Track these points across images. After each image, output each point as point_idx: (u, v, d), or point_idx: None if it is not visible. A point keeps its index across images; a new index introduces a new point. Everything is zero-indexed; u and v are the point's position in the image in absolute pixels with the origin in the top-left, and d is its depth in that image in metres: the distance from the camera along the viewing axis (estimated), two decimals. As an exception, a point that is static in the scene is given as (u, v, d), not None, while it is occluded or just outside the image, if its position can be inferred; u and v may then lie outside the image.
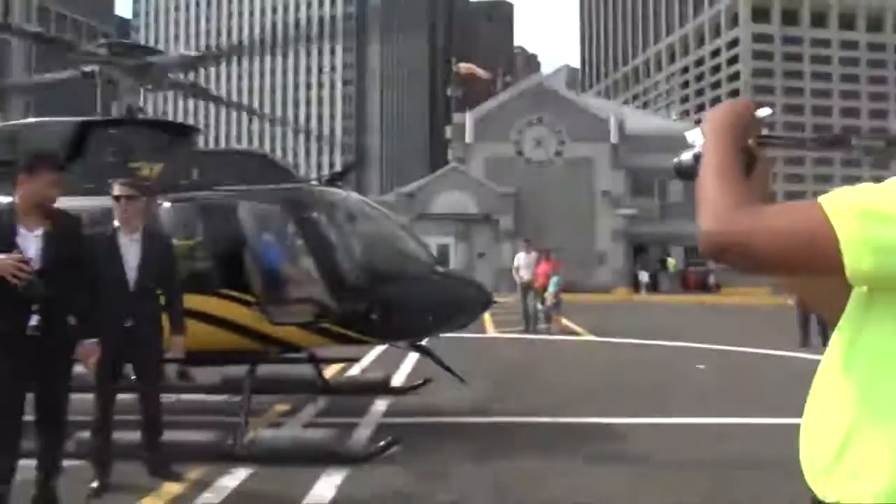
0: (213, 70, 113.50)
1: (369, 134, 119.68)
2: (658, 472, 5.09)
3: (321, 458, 5.09)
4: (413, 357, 8.93)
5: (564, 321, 16.04)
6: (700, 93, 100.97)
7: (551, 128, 35.50)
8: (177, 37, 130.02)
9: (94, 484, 4.52)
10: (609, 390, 8.37)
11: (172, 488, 4.56)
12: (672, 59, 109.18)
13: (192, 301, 5.80)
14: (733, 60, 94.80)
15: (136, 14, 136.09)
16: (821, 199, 0.97)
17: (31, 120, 7.14)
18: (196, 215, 6.21)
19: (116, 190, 4.70)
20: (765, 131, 1.20)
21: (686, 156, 1.21)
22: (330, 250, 6.14)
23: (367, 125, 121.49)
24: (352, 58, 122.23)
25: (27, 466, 3.85)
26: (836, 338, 1.10)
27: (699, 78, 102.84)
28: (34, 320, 3.64)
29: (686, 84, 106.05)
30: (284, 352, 6.37)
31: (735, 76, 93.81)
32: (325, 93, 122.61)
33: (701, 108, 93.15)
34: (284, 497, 4.48)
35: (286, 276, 6.16)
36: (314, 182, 6.79)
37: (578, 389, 8.34)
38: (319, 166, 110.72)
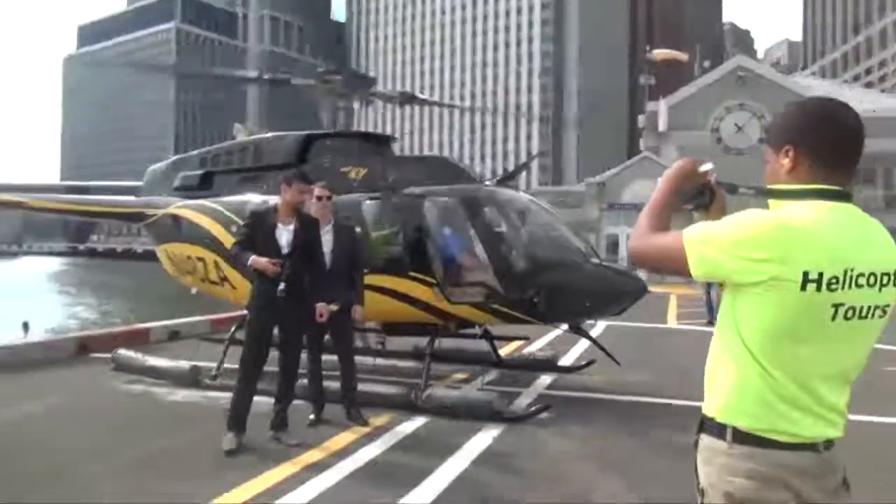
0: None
1: (564, 122, 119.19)
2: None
3: (483, 414, 6.12)
4: (584, 342, 9.68)
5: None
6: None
7: (754, 113, 33.58)
8: (386, 37, 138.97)
9: (312, 417, 5.98)
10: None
11: (365, 427, 5.85)
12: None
13: (388, 281, 7.14)
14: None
15: (349, 18, 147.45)
16: (684, 230, 1.73)
17: (270, 134, 8.94)
18: (390, 211, 7.49)
19: (316, 191, 6.06)
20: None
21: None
22: (499, 241, 7.13)
23: (563, 112, 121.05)
24: (548, 47, 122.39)
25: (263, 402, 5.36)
26: (721, 307, 1.84)
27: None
28: (282, 286, 5.20)
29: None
30: (461, 327, 7.50)
31: None
32: (523, 81, 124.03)
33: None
34: (450, 441, 5.51)
35: (463, 262, 7.24)
36: (488, 182, 7.76)
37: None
38: (515, 154, 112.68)
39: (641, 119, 38.80)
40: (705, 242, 1.66)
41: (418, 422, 6.09)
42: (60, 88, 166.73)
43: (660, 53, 43.83)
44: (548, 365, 8.60)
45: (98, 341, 9.44)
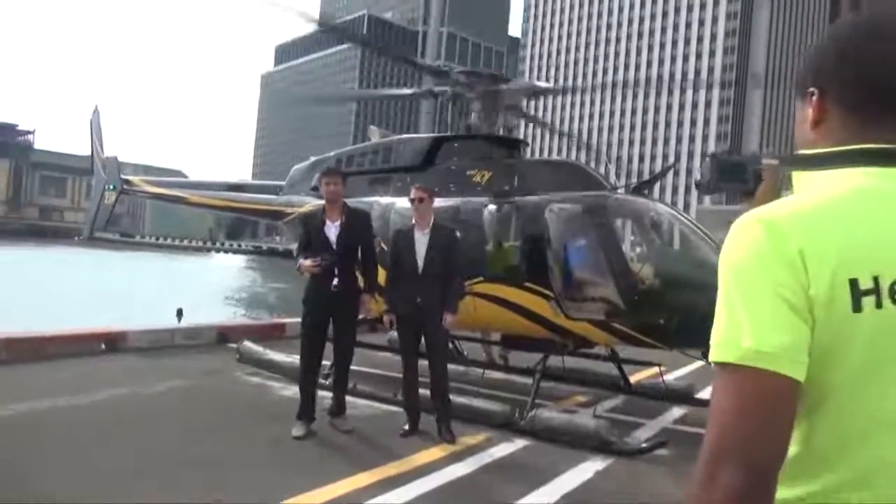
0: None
1: (745, 140, 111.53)
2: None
3: (591, 443, 5.51)
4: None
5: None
6: None
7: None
8: (558, 51, 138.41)
9: (406, 427, 5.70)
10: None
11: (453, 445, 5.44)
12: None
13: (503, 290, 6.74)
14: None
15: (524, 33, 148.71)
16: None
17: (400, 136, 8.90)
18: (511, 216, 7.08)
19: (413, 193, 5.81)
20: None
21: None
22: (626, 254, 6.48)
23: (745, 128, 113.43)
24: (732, 58, 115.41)
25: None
26: None
27: None
28: (336, 281, 5.54)
29: None
30: (580, 346, 6.90)
31: None
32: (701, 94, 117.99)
33: None
34: (546, 470, 4.98)
35: (584, 276, 6.66)
36: (620, 190, 7.12)
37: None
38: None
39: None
40: (735, 339, 0.95)
41: (517, 444, 5.61)
42: (257, 100, 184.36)
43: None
44: (682, 396, 7.70)
45: (236, 332, 9.87)
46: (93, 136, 12.04)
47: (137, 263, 45.89)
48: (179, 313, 11.86)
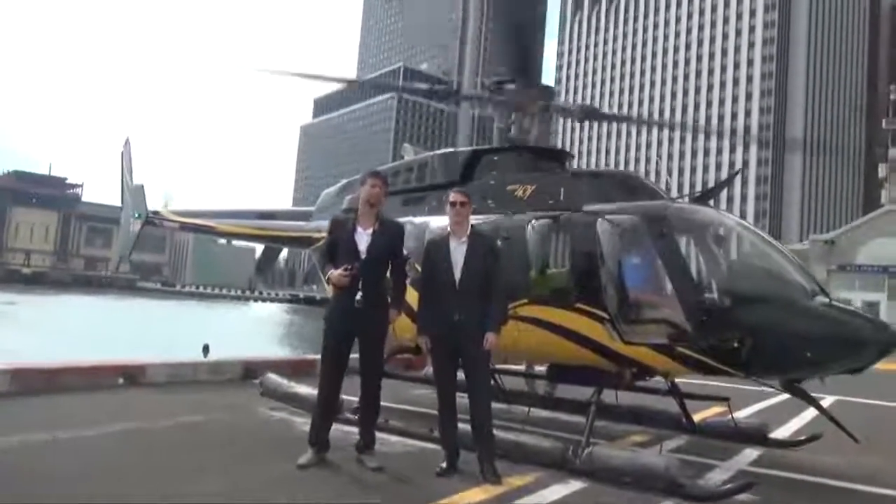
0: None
1: (787, 171, 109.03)
2: None
3: (658, 485, 4.70)
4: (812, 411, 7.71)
5: None
6: None
7: None
8: (592, 97, 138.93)
9: (443, 464, 4.95)
10: None
11: (498, 486, 4.66)
12: None
13: (549, 313, 6.02)
14: None
15: (557, 81, 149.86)
16: None
17: (435, 152, 8.33)
18: (558, 232, 6.41)
19: (451, 196, 5.17)
20: None
21: None
22: (691, 270, 5.73)
23: (786, 161, 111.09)
24: (769, 85, 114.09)
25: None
26: None
27: None
28: (359, 296, 4.85)
29: None
30: (639, 376, 6.11)
31: None
32: (739, 121, 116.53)
33: None
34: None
35: (642, 295, 5.91)
36: (680, 200, 6.41)
37: None
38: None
39: (883, 168, 33.67)
40: None
41: (571, 486, 4.80)
42: (296, 148, 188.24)
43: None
44: (755, 436, 6.78)
45: (263, 367, 9.26)
46: (123, 167, 11.80)
47: (175, 310, 46.13)
48: (206, 349, 11.33)
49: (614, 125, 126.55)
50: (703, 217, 6.05)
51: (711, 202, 6.44)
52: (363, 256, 4.99)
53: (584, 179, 7.01)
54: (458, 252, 5.05)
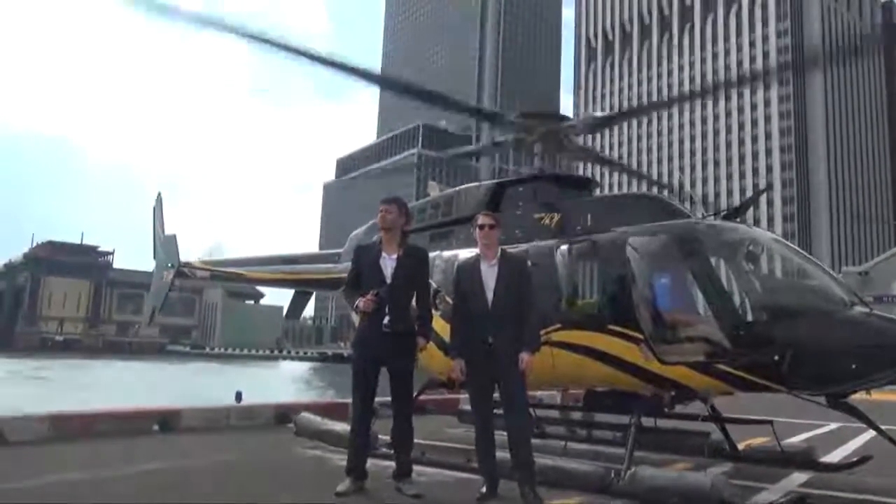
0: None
1: (812, 197, 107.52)
2: None
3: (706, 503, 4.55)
4: (867, 433, 7.41)
5: None
6: None
7: None
8: (611, 146, 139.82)
9: (483, 489, 4.86)
10: None
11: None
12: None
13: (582, 337, 5.98)
14: None
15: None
16: None
17: (460, 187, 8.41)
18: (587, 256, 6.40)
19: (480, 220, 5.17)
20: None
21: None
22: (724, 285, 5.67)
23: (809, 185, 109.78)
24: (788, 106, 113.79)
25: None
26: None
27: None
28: (386, 320, 4.91)
29: None
30: (677, 398, 5.99)
31: None
32: (760, 144, 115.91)
33: None
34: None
35: (678, 313, 5.85)
36: (710, 217, 6.38)
37: None
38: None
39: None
40: None
41: (617, 507, 4.68)
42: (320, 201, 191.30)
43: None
44: (804, 460, 6.55)
45: (296, 410, 9.23)
46: (155, 222, 12.06)
47: (205, 367, 46.32)
48: (238, 396, 11.35)
49: (634, 144, 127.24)
50: (735, 233, 6.03)
51: (739, 219, 6.42)
52: (388, 281, 5.04)
53: (610, 203, 7.04)
54: (489, 275, 5.02)
